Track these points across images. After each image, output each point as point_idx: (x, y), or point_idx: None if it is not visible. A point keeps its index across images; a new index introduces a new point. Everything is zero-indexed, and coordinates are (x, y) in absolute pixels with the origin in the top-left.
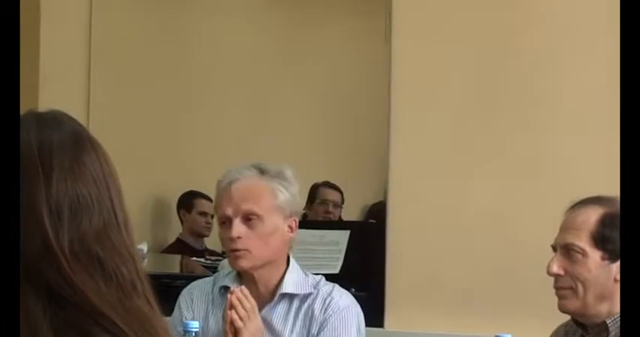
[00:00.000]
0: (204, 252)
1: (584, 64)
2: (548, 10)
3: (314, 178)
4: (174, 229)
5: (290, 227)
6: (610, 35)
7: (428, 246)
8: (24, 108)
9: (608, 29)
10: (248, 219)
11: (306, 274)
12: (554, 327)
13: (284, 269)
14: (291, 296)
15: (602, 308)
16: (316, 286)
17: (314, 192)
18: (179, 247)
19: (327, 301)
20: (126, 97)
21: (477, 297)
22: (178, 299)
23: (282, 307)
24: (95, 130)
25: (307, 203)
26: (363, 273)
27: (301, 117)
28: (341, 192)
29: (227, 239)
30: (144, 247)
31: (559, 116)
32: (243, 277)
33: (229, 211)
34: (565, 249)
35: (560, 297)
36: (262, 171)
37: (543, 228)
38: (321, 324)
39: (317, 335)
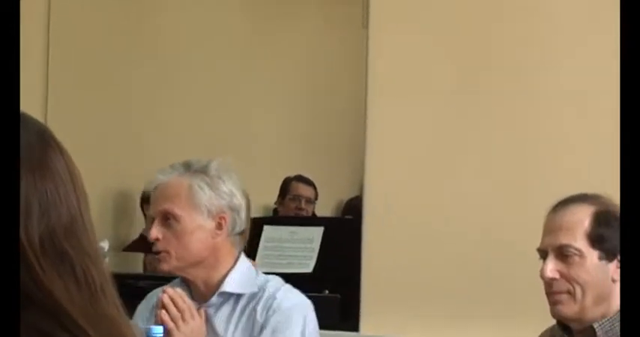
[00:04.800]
0: None
1: (577, 52)
2: None
3: (286, 172)
4: (138, 225)
5: (219, 224)
6: (606, 34)
7: (407, 245)
8: None
9: (603, 27)
10: (166, 218)
11: (256, 273)
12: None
13: (228, 269)
14: (237, 297)
15: (599, 311)
16: (264, 286)
17: (285, 187)
18: (143, 244)
19: (270, 301)
20: (85, 93)
21: (458, 301)
22: (138, 307)
23: (226, 308)
24: (53, 125)
25: (278, 198)
26: (338, 273)
27: (273, 110)
28: (314, 187)
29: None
30: (105, 245)
31: (545, 113)
32: (184, 280)
33: (150, 213)
34: (558, 251)
35: (555, 303)
36: (186, 168)
37: (527, 228)
38: (262, 325)
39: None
